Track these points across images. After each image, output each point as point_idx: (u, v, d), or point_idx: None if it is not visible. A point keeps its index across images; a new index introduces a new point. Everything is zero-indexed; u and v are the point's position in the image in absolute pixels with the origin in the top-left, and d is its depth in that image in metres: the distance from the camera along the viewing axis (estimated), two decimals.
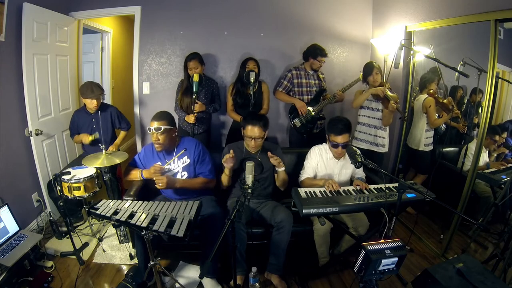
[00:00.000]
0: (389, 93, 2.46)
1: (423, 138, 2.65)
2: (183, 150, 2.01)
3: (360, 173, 2.20)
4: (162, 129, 1.92)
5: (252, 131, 2.00)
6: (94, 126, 2.51)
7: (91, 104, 2.41)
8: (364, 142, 2.70)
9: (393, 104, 2.37)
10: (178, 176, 2.08)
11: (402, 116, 2.61)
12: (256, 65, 2.71)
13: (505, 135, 2.19)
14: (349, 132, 2.03)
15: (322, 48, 2.72)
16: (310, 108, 2.75)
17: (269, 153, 1.97)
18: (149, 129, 1.94)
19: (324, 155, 2.16)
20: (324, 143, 2.20)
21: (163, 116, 1.98)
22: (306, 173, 2.14)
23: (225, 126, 3.28)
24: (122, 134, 2.67)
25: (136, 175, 2.08)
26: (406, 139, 2.79)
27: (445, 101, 2.46)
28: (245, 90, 2.73)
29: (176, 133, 2.08)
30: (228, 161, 1.95)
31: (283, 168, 2.05)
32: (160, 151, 2.04)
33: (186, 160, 2.07)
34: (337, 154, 2.09)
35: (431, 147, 2.69)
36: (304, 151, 2.27)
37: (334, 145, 2.03)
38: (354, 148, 1.72)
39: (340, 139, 1.99)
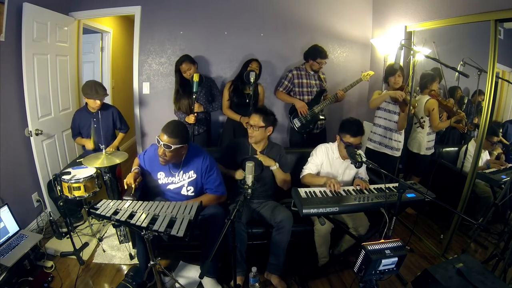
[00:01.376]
0: (408, 97, 2.39)
1: (425, 141, 2.60)
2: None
3: (363, 174, 2.19)
4: (172, 148, 1.74)
5: (253, 119, 2.07)
6: (95, 125, 2.51)
7: (95, 104, 2.41)
8: (379, 144, 2.66)
9: (411, 108, 2.32)
10: (184, 191, 1.97)
11: (419, 122, 2.53)
12: (258, 66, 2.72)
13: (500, 134, 2.17)
14: (363, 134, 2.02)
15: (323, 50, 2.70)
16: (315, 110, 2.74)
17: (258, 153, 1.99)
18: (158, 141, 1.76)
19: (330, 154, 2.15)
20: (330, 142, 2.20)
21: (176, 132, 1.74)
22: (309, 169, 2.14)
23: (224, 125, 3.28)
24: (120, 135, 2.68)
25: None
26: (407, 141, 2.78)
27: (448, 103, 2.41)
28: (243, 88, 2.73)
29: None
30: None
31: (275, 167, 2.08)
32: (163, 165, 1.89)
33: (192, 175, 1.94)
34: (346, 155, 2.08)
35: (432, 151, 2.64)
36: (305, 151, 2.27)
37: (347, 146, 2.01)
38: (354, 148, 1.72)
39: (354, 140, 1.97)
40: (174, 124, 1.80)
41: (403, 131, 2.60)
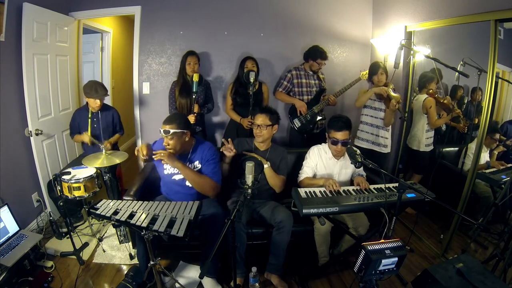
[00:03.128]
0: (392, 93, 2.47)
1: (423, 138, 2.64)
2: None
3: (361, 172, 2.20)
4: (170, 133, 1.82)
5: (259, 118, 2.11)
6: (95, 125, 2.51)
7: (95, 103, 2.41)
8: (366, 142, 2.70)
9: (394, 102, 2.39)
10: (188, 182, 1.99)
11: (402, 116, 2.61)
12: (255, 64, 2.72)
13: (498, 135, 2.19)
14: (349, 129, 2.03)
15: (323, 51, 2.71)
16: (315, 109, 2.75)
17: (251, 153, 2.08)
18: (160, 131, 1.87)
19: (323, 155, 2.15)
20: (323, 143, 2.20)
21: (173, 118, 1.88)
22: (305, 172, 2.14)
23: (221, 126, 3.28)
24: (117, 136, 2.67)
25: None
26: (406, 139, 2.79)
27: (445, 101, 2.46)
28: (244, 90, 2.73)
29: (190, 136, 1.95)
30: (226, 149, 2.10)
31: (267, 165, 2.09)
32: None
33: (197, 165, 2.00)
34: (336, 152, 2.08)
35: (431, 147, 2.68)
36: (304, 151, 2.27)
37: (334, 142, 2.03)
38: (354, 148, 1.72)
39: (340, 135, 1.99)
40: (172, 114, 1.98)
41: (390, 128, 2.65)
